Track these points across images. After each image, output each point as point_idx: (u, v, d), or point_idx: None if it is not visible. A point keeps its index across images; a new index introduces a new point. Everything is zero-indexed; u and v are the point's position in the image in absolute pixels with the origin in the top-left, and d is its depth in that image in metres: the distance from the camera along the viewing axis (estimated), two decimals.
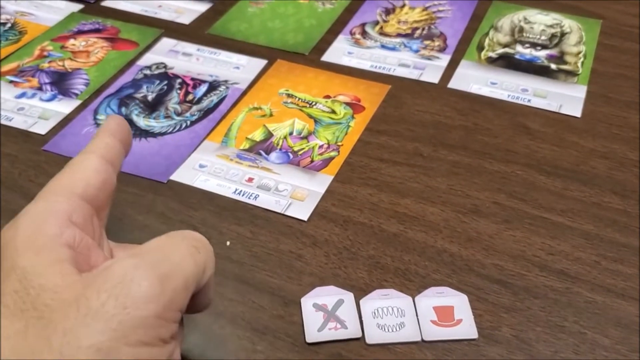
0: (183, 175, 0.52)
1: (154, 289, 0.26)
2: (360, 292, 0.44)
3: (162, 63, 0.65)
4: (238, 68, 0.64)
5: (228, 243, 0.47)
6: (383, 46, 0.68)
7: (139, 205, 0.50)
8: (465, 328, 0.41)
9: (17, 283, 0.26)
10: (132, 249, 0.30)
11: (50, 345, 0.24)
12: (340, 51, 0.67)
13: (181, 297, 0.28)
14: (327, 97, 0.61)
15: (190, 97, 0.60)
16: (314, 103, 0.60)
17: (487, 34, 0.70)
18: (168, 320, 0.27)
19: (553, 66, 0.65)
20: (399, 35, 0.70)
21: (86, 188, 0.30)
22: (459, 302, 0.43)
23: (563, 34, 0.69)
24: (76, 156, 0.32)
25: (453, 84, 0.63)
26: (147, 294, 0.26)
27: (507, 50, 0.67)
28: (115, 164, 0.33)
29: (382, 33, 0.70)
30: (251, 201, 0.50)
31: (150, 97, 0.60)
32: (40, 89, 0.62)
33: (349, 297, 0.43)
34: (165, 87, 0.61)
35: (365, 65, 0.65)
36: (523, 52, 0.67)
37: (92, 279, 0.26)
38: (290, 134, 0.56)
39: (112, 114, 0.35)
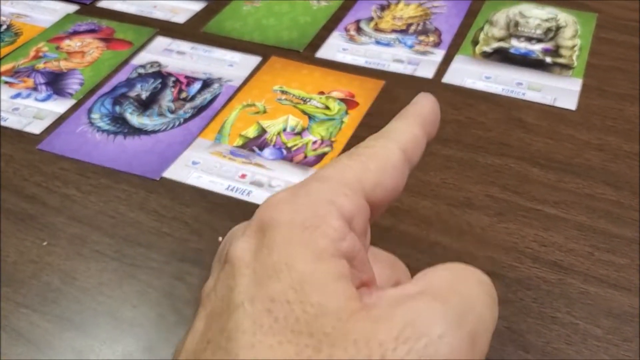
0: (176, 172, 0.52)
1: (466, 354, 0.19)
2: None
3: (156, 62, 0.65)
4: (232, 65, 0.64)
5: (220, 239, 0.47)
6: (377, 42, 0.68)
7: (131, 203, 0.50)
8: None
9: (290, 291, 0.19)
10: (411, 280, 0.23)
11: None
12: (334, 47, 0.67)
13: None
14: (321, 93, 0.61)
15: (183, 94, 0.61)
16: (308, 99, 0.60)
17: (482, 28, 0.70)
18: None
19: (548, 60, 0.65)
20: (393, 31, 0.70)
21: (376, 188, 0.23)
22: None
23: (558, 28, 0.69)
24: (374, 140, 0.25)
25: (447, 78, 0.63)
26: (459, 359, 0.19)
27: (502, 44, 0.67)
28: (413, 164, 0.26)
29: (377, 29, 0.70)
30: (244, 197, 0.50)
31: (144, 96, 0.61)
32: (35, 89, 0.62)
33: None
34: (159, 86, 0.62)
35: (359, 61, 0.65)
36: (518, 46, 0.67)
37: (381, 314, 0.20)
38: (284, 130, 0.56)
39: (425, 93, 0.27)
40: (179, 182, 0.52)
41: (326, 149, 0.54)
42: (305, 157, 0.54)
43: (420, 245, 0.46)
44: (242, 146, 0.55)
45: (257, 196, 0.50)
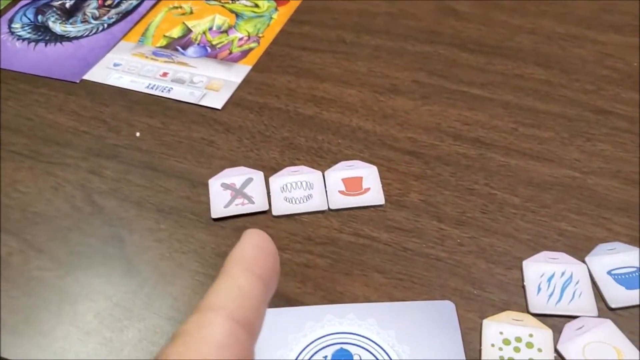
0: (96, 74, 0.51)
1: None
2: (271, 171, 0.43)
3: None
4: None
5: (138, 134, 0.46)
6: None
7: (50, 105, 0.49)
8: (373, 196, 0.41)
9: None
10: None
11: None
12: None
13: None
14: None
15: (109, 2, 0.58)
16: None
17: None
18: None
19: None
20: None
21: None
22: (368, 172, 0.42)
23: None
24: (190, 317, 0.19)
25: None
26: None
27: None
28: (254, 324, 0.20)
29: None
30: (164, 94, 0.49)
31: (68, 4, 0.58)
32: None
33: (258, 175, 0.42)
34: None
35: None
36: None
37: None
38: (210, 29, 0.55)
39: (250, 230, 0.22)
40: (99, 84, 0.50)
41: (253, 45, 0.53)
42: (231, 53, 0.52)
43: (342, 131, 0.46)
44: (166, 46, 0.53)
45: (177, 93, 0.49)
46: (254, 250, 0.21)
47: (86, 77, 0.51)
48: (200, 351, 0.18)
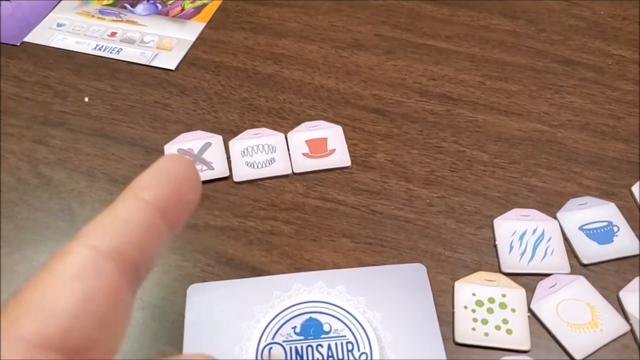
0: (38, 36, 0.48)
1: None
2: (230, 134, 0.41)
3: None
4: None
5: (86, 99, 0.43)
6: None
7: None
8: (338, 157, 0.39)
9: None
10: None
11: None
12: None
13: None
14: None
15: None
16: None
17: None
18: None
19: None
20: None
21: (58, 322, 0.16)
22: (333, 133, 0.40)
23: None
24: (62, 247, 0.17)
25: None
26: None
27: None
28: (130, 255, 0.17)
29: None
30: (113, 55, 0.46)
31: None
32: None
33: (217, 139, 0.40)
34: None
35: None
36: None
37: None
38: None
39: (171, 154, 0.20)
40: (42, 46, 0.47)
41: (206, 0, 0.50)
42: (183, 9, 0.49)
43: (304, 89, 0.43)
44: (113, 4, 0.50)
45: (127, 53, 0.46)
46: (152, 175, 0.18)
47: (27, 39, 0.47)
48: (51, 282, 0.16)
